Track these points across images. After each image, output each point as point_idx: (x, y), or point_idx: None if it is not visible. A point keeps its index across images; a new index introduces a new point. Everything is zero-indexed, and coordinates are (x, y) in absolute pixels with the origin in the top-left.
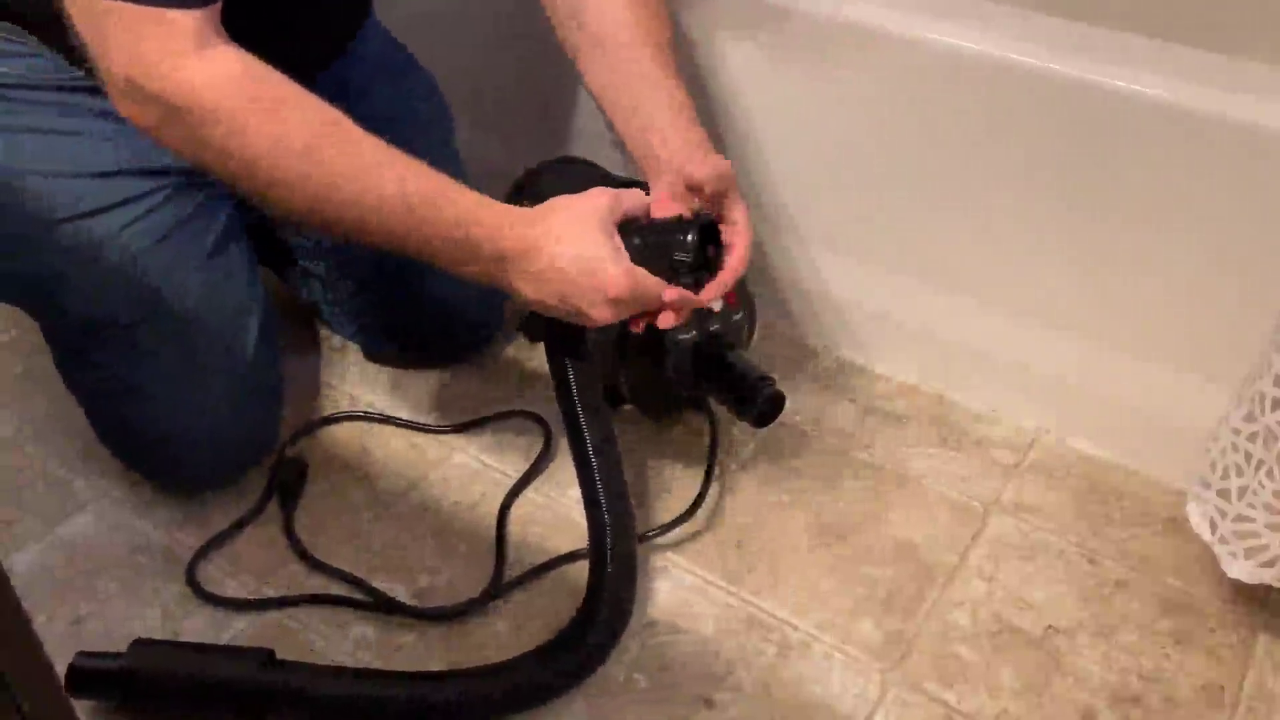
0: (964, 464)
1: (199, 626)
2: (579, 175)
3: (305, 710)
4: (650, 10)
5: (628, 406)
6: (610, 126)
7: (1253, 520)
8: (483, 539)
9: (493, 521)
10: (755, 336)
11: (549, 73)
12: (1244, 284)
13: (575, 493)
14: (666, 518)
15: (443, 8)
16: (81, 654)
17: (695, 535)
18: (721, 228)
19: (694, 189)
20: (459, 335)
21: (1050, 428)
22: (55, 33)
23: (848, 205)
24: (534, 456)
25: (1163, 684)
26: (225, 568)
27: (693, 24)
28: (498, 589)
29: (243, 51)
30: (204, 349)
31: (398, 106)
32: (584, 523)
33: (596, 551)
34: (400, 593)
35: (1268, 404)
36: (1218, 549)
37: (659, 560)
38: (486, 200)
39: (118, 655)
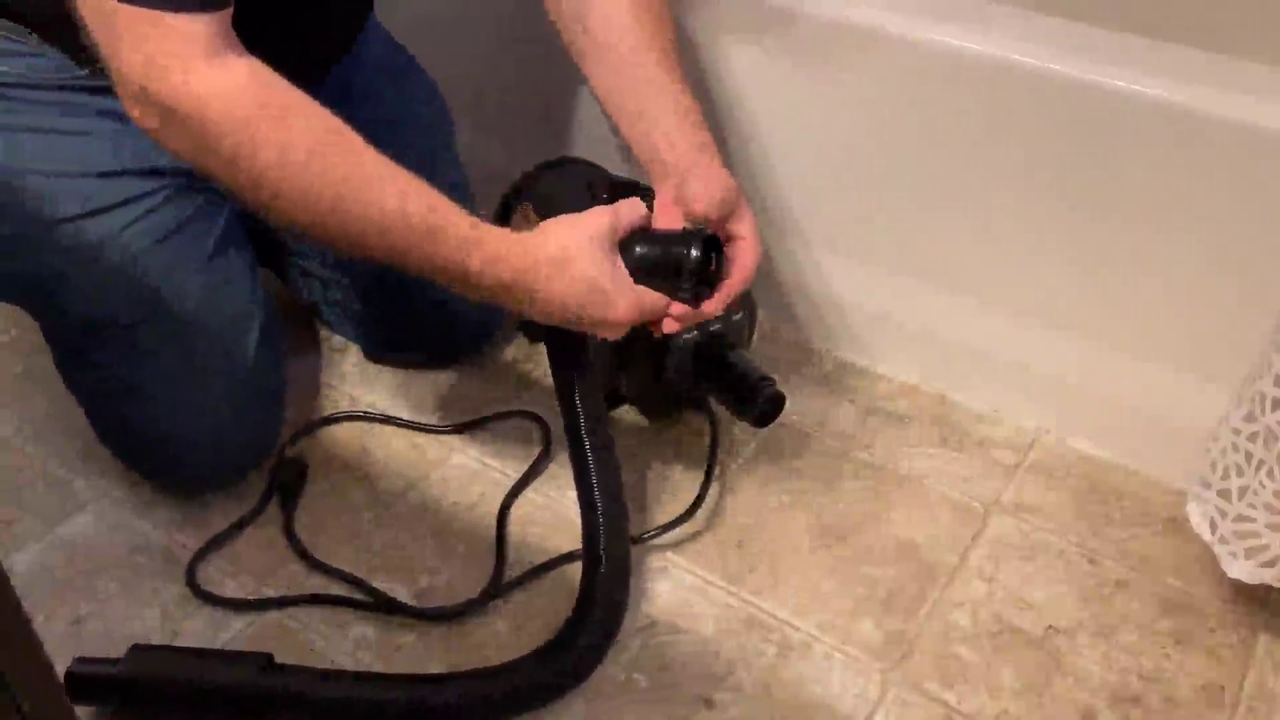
0: (965, 464)
1: (198, 627)
2: (579, 176)
3: (305, 714)
4: (654, 14)
5: (628, 406)
6: (615, 130)
7: (1253, 520)
8: (482, 539)
9: (492, 522)
10: (756, 337)
11: (550, 76)
12: (1244, 284)
13: (575, 493)
14: (667, 518)
15: (444, 12)
16: (79, 660)
17: (695, 535)
18: (728, 241)
19: (698, 219)
20: (459, 336)
21: (1050, 428)
22: (56, 31)
23: (849, 206)
24: (534, 457)
25: (1163, 684)
26: (225, 568)
27: (695, 26)
28: (497, 589)
29: (253, 61)
30: (203, 351)
31: (400, 109)
32: None
33: (590, 553)
34: (400, 593)
35: (1268, 404)
36: (1218, 549)
37: (659, 560)
38: (485, 226)
39: (115, 661)
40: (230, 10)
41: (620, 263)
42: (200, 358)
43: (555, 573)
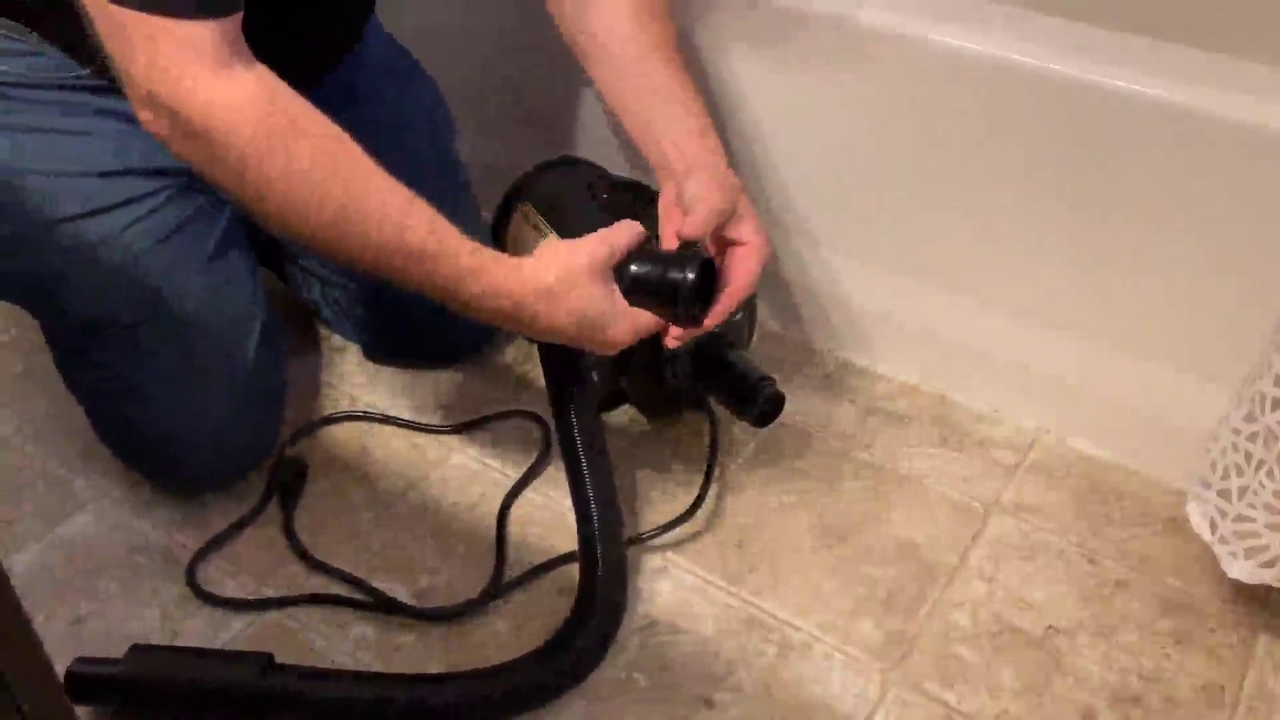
0: (965, 464)
1: (198, 626)
2: (580, 176)
3: (305, 714)
4: (655, 15)
5: (628, 406)
6: (616, 130)
7: (1253, 520)
8: (482, 539)
9: (492, 522)
10: (756, 337)
11: (551, 77)
12: (1244, 284)
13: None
14: (667, 518)
15: (446, 18)
16: (79, 660)
17: (695, 535)
18: (730, 246)
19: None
20: (459, 336)
21: (1050, 428)
22: (57, 30)
23: (849, 206)
24: (533, 457)
25: (1163, 684)
26: (225, 568)
27: (697, 29)
28: (497, 589)
29: (261, 70)
30: (204, 351)
31: (402, 112)
32: None
33: (587, 558)
34: (400, 593)
35: (1268, 404)
36: (1218, 549)
37: (659, 560)
38: (485, 251)
39: (115, 661)
40: (240, 16)
41: (616, 289)
42: (201, 358)
43: (555, 573)
